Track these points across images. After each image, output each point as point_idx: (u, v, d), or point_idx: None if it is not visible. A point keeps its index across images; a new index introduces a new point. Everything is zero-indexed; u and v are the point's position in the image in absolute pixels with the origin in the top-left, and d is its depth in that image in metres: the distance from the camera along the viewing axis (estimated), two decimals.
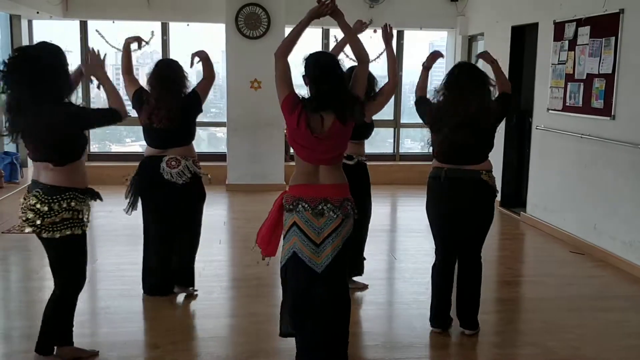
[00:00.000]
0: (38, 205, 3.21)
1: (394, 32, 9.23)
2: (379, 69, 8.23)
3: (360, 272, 4.86)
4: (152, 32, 8.82)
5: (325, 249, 3.23)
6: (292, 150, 3.51)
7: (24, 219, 3.24)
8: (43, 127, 3.18)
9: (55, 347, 3.47)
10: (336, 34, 9.04)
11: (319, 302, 3.26)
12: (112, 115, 3.38)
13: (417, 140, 10.60)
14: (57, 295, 3.41)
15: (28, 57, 3.20)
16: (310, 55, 3.34)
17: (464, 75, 3.85)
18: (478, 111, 3.76)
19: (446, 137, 3.83)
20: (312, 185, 3.27)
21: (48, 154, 3.24)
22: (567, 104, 6.35)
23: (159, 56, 9.32)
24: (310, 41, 9.05)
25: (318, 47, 9.09)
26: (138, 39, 4.56)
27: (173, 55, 9.08)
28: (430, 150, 4.06)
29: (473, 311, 4.04)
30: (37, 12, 8.08)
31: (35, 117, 3.16)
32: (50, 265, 3.40)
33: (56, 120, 3.19)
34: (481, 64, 4.35)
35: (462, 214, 3.91)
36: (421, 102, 4.13)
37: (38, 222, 3.22)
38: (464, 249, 4.00)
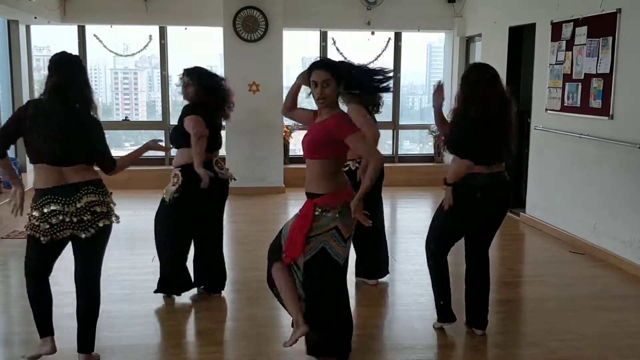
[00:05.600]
0: (96, 198, 3.34)
1: (392, 34, 9.41)
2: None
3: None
4: (150, 36, 8.82)
5: (350, 243, 3.46)
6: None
7: (77, 220, 3.27)
8: (90, 128, 3.39)
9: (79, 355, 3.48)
10: (334, 36, 9.07)
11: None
12: (109, 158, 3.55)
13: (416, 142, 10.60)
14: (95, 301, 3.51)
15: (75, 58, 3.37)
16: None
17: (489, 72, 3.82)
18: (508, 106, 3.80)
19: (497, 134, 3.71)
20: (344, 189, 3.44)
21: (95, 153, 3.43)
22: (565, 104, 6.36)
23: (157, 60, 9.33)
24: (309, 43, 9.06)
25: (316, 49, 9.09)
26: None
27: (171, 58, 9.11)
28: (467, 153, 3.79)
29: (485, 309, 4.04)
30: (35, 17, 8.07)
31: (86, 114, 3.33)
32: (88, 265, 3.51)
33: (96, 122, 3.44)
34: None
35: (495, 218, 3.95)
36: (457, 128, 3.82)
37: (104, 210, 3.37)
38: (478, 248, 4.01)
